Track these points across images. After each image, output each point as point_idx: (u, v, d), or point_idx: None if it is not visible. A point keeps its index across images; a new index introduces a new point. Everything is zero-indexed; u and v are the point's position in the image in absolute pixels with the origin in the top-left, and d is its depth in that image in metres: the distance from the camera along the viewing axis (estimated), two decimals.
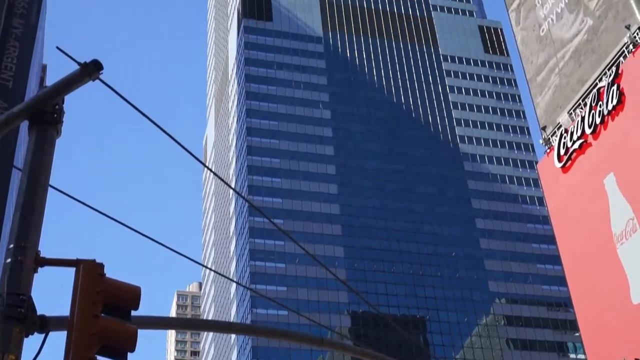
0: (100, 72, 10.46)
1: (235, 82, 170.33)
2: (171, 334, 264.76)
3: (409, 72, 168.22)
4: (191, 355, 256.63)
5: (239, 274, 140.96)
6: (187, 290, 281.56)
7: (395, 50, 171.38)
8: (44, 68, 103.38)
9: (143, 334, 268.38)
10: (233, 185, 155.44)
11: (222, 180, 12.59)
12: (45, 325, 9.80)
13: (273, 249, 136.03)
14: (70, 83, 10.58)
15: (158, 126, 11.76)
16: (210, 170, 11.95)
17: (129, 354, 9.63)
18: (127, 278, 10.37)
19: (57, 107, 10.75)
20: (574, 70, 46.69)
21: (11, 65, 72.39)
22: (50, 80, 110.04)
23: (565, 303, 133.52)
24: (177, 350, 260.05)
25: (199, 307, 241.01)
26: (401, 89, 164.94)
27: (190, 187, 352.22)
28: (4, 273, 9.73)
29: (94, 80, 10.51)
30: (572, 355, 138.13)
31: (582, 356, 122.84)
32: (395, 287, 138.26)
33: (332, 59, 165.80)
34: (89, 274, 9.80)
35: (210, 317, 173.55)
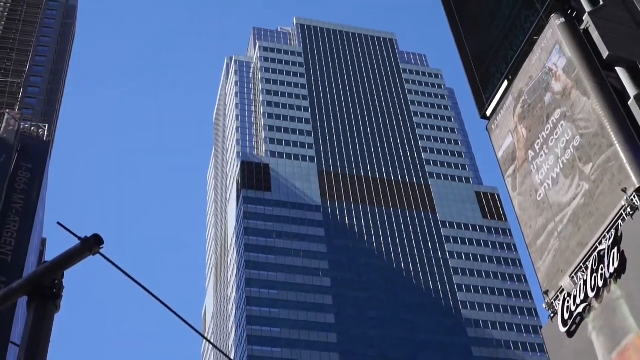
0: (101, 246, 10.44)
1: (235, 251, 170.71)
2: None
3: (408, 239, 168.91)
4: None
5: None
6: None
7: (393, 217, 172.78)
8: (43, 242, 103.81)
9: None
10: (232, 356, 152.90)
11: (222, 352, 12.33)
12: None
13: None
14: (70, 258, 10.54)
15: (158, 300, 11.62)
16: (210, 342, 11.73)
17: None
18: None
19: (56, 282, 10.66)
20: (573, 234, 46.84)
21: (10, 240, 72.74)
22: (50, 253, 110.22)
23: None
24: None
25: None
26: (401, 255, 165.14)
27: (189, 357, 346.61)
28: None
29: (94, 254, 10.47)
30: None
31: None
32: None
33: (331, 226, 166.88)
34: None
35: None
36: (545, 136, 51.69)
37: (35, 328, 10.39)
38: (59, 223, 10.68)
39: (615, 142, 44.47)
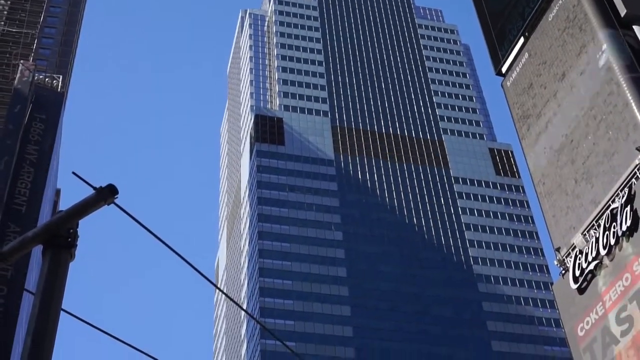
0: (116, 196, 10.48)
1: (248, 204, 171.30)
2: None
3: (421, 194, 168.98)
4: None
5: None
6: None
7: (406, 172, 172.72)
8: (57, 192, 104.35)
9: None
10: (244, 308, 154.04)
11: (234, 302, 12.45)
12: None
13: None
14: (85, 207, 10.59)
15: (173, 250, 11.71)
16: (223, 292, 11.84)
17: None
18: None
19: (71, 231, 10.73)
20: (586, 192, 46.79)
21: (25, 191, 73.11)
22: (64, 204, 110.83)
23: None
24: None
25: None
26: (413, 210, 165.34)
27: (201, 310, 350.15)
28: None
29: (108, 204, 10.51)
30: None
31: None
32: None
33: (344, 181, 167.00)
34: None
35: None
36: (560, 93, 51.42)
37: (50, 276, 10.50)
38: (74, 173, 10.74)
39: (631, 101, 44.23)
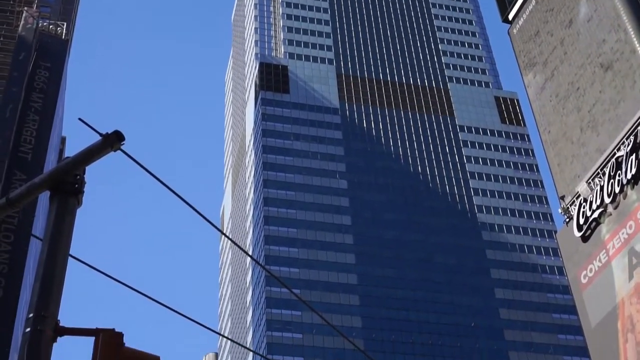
0: (122, 143, 10.50)
1: (253, 153, 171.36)
2: None
3: (426, 143, 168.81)
4: None
5: (256, 345, 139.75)
6: None
7: (411, 120, 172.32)
8: (63, 140, 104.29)
9: None
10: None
11: (240, 247, 12.58)
12: None
13: (290, 319, 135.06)
14: (92, 154, 10.62)
15: (179, 196, 11.78)
16: (228, 238, 11.96)
17: None
18: (144, 347, 10.26)
19: (78, 177, 10.77)
20: (591, 140, 46.72)
21: (30, 139, 73.08)
22: (69, 152, 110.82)
23: None
24: None
25: None
26: (418, 159, 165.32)
27: (207, 257, 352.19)
28: (23, 342, 9.71)
29: (115, 151, 10.52)
30: None
31: None
32: (414, 358, 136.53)
33: (349, 129, 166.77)
34: (108, 343, 9.78)
35: None
36: (567, 40, 51.07)
37: (57, 222, 10.58)
38: (80, 119, 10.76)
39: (638, 48, 43.93)
